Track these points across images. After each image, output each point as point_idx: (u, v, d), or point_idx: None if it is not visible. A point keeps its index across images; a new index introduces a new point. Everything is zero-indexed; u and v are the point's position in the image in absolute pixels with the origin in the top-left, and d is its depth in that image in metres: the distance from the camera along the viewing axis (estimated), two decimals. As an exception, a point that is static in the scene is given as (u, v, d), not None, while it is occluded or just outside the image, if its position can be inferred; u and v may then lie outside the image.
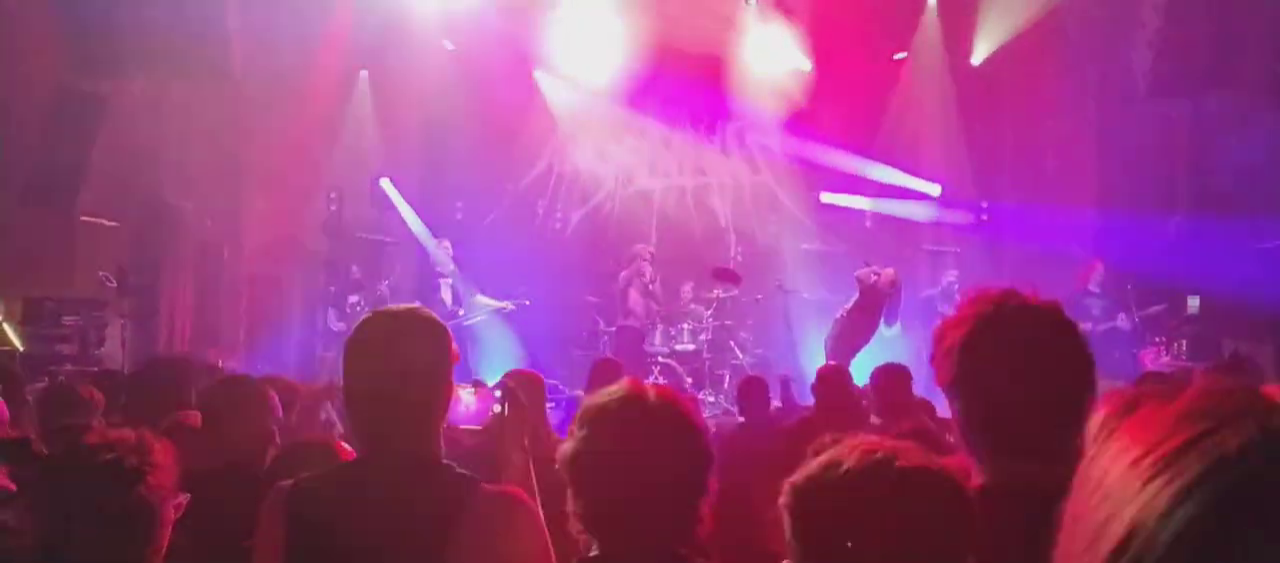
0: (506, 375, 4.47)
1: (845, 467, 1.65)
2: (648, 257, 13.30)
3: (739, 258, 12.61)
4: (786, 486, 1.70)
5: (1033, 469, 1.84)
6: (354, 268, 12.90)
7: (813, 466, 1.70)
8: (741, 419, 6.90)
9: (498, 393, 2.93)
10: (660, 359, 12.61)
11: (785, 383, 8.75)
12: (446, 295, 13.00)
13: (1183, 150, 12.53)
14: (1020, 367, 1.89)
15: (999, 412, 1.91)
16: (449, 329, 2.29)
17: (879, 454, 1.66)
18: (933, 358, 2.00)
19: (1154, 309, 11.76)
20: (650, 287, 13.14)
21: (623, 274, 13.11)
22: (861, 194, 14.46)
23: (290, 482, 2.21)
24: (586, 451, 1.94)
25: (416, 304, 2.37)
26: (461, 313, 12.70)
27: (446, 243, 13.47)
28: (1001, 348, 1.91)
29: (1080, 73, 13.10)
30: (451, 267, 13.26)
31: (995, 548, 1.72)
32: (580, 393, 8.25)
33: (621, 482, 1.91)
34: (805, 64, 14.39)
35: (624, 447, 1.94)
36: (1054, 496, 1.07)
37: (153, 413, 3.60)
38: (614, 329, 13.06)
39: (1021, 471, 1.86)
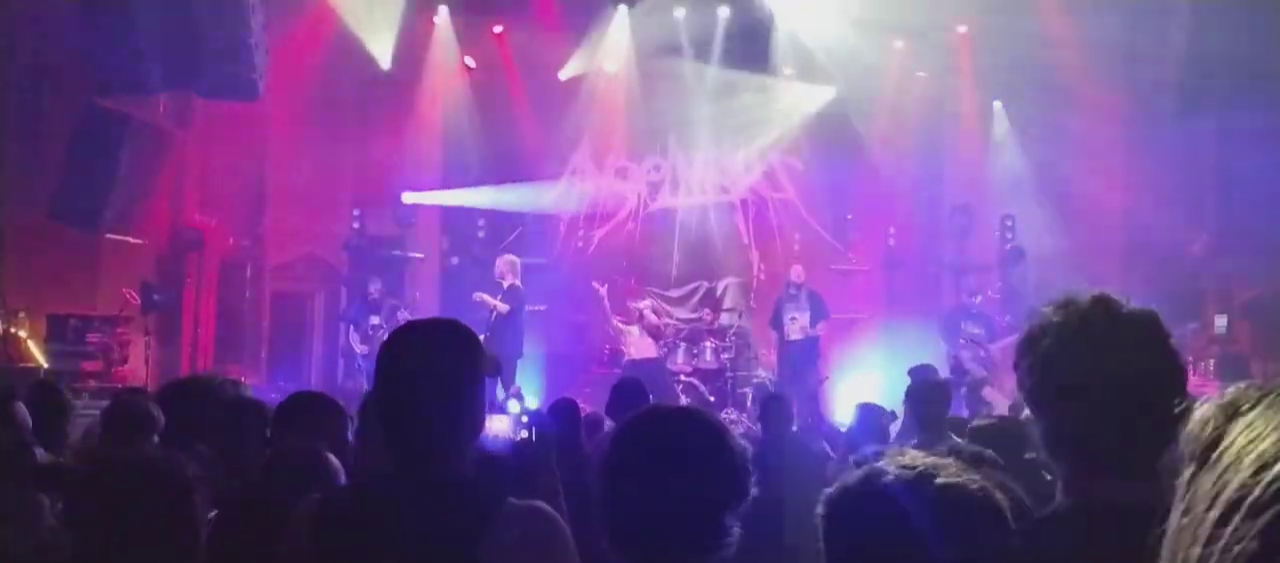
0: (552, 405, 4.46)
1: (884, 480, 1.62)
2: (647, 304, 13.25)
3: (762, 276, 12.57)
4: (824, 496, 1.67)
5: (1120, 487, 1.78)
6: (372, 287, 12.88)
7: (850, 477, 1.67)
8: (763, 438, 6.82)
9: (525, 418, 2.92)
10: (683, 378, 12.56)
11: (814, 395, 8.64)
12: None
13: (1210, 168, 12.44)
14: (1111, 379, 1.81)
15: (1086, 427, 1.83)
16: (480, 342, 2.25)
17: (918, 469, 1.63)
18: (1016, 366, 1.93)
19: (1190, 328, 11.58)
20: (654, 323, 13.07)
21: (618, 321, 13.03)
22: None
23: (317, 499, 2.17)
24: (618, 461, 1.91)
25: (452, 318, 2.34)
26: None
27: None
28: (1092, 359, 1.82)
29: (1107, 90, 13.02)
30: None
31: None
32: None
33: (652, 495, 1.87)
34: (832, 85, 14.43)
35: (655, 456, 1.90)
36: (1141, 514, 1.03)
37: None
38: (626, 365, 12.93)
39: (1108, 488, 1.80)
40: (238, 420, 3.85)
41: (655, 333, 12.72)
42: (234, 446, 3.82)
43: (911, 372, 7.95)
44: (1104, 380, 1.81)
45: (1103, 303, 1.88)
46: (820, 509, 1.67)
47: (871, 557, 1.60)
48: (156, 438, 4.12)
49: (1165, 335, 1.88)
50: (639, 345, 12.61)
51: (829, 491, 1.68)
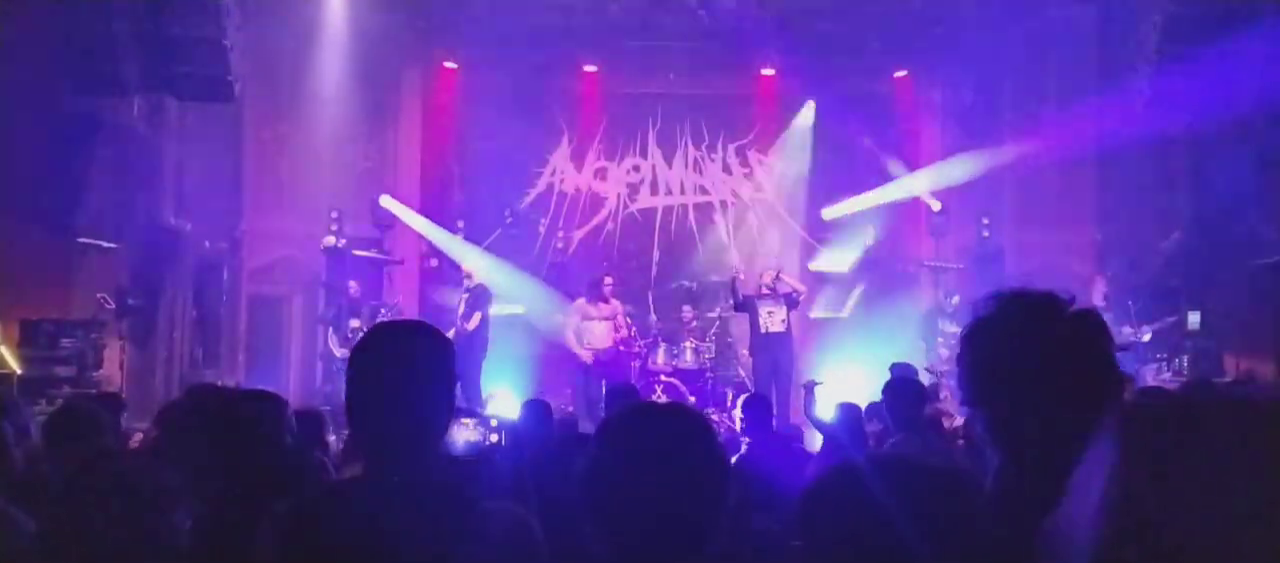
0: (524, 406, 4.46)
1: (856, 468, 1.67)
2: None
3: (742, 276, 12.60)
4: (803, 490, 1.71)
5: (1040, 481, 1.81)
6: (351, 287, 12.84)
7: (824, 473, 1.72)
8: (747, 439, 6.84)
9: (494, 421, 2.93)
10: (663, 378, 12.57)
11: (809, 390, 8.64)
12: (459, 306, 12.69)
13: (1182, 168, 12.54)
14: (1043, 376, 1.83)
15: (1016, 422, 1.86)
16: (451, 344, 2.26)
17: (885, 460, 1.69)
18: (957, 359, 1.96)
19: (1168, 321, 11.66)
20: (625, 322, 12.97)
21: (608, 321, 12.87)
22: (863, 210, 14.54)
23: (287, 504, 2.17)
24: (599, 466, 1.91)
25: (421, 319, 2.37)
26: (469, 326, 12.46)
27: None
28: (1026, 356, 1.84)
29: (1080, 91, 13.12)
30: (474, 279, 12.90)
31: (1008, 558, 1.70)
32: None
33: (636, 494, 1.88)
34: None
35: (639, 454, 1.90)
36: (1049, 507, 1.08)
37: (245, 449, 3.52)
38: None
39: (1030, 482, 1.80)
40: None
41: (617, 325, 12.71)
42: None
43: (892, 368, 8.00)
44: (1036, 378, 1.83)
45: (1044, 300, 1.89)
46: (799, 503, 1.69)
47: (849, 542, 1.62)
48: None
49: (1104, 336, 1.89)
50: (595, 334, 12.58)
51: (805, 485, 1.70)
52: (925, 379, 8.98)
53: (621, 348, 12.81)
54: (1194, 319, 11.63)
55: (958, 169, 13.77)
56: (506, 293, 13.44)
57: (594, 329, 12.52)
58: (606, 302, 12.67)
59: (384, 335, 2.30)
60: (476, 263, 13.08)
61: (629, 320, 12.99)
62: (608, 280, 12.84)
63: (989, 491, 1.93)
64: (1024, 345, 1.85)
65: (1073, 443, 1.87)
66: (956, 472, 1.71)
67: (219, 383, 9.18)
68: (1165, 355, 11.63)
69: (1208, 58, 9.91)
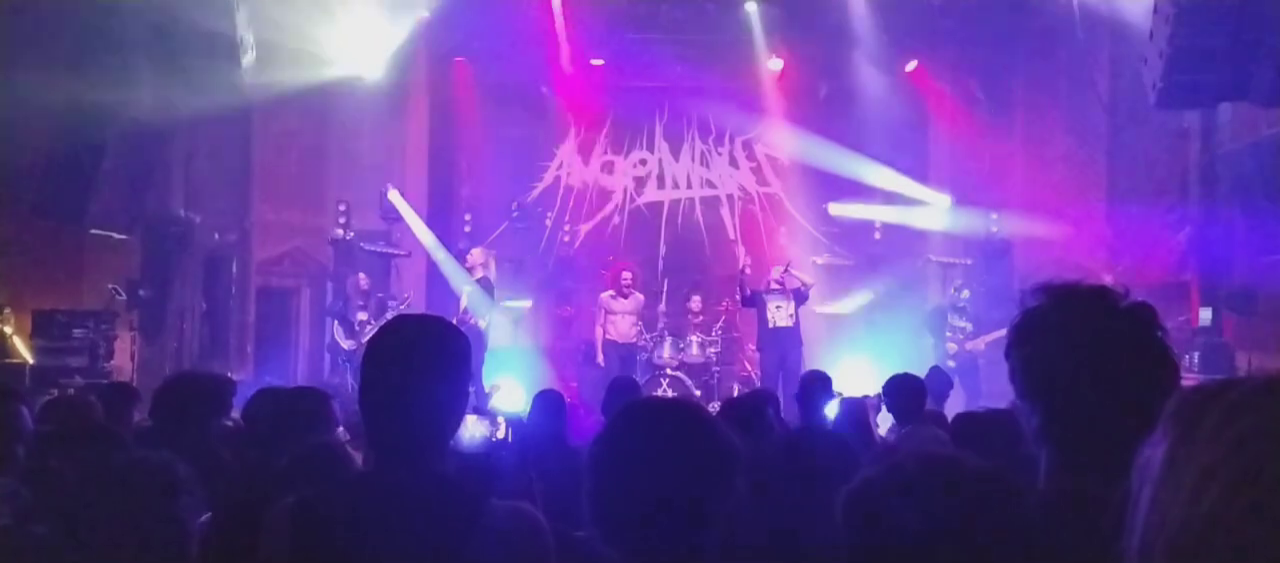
0: (538, 396, 4.44)
1: (906, 471, 1.63)
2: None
3: (748, 270, 12.59)
4: (846, 491, 1.67)
5: (1101, 481, 1.77)
6: (361, 280, 12.84)
7: (872, 472, 1.68)
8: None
9: (500, 418, 2.93)
10: (669, 372, 12.58)
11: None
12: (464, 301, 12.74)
13: (1193, 161, 12.49)
14: (1103, 373, 1.78)
15: (1075, 419, 1.81)
16: (468, 340, 2.25)
17: (938, 460, 1.65)
18: (1007, 355, 1.90)
19: (1179, 321, 11.60)
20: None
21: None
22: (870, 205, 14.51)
23: (294, 498, 2.16)
24: (606, 455, 1.91)
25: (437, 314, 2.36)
26: (483, 324, 12.50)
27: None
28: (1085, 352, 1.79)
29: (1090, 83, 13.07)
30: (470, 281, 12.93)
31: (1050, 559, 1.66)
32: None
33: (640, 485, 1.88)
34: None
35: (644, 449, 1.90)
36: (1116, 509, 1.05)
37: (182, 428, 3.53)
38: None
39: (1090, 482, 1.76)
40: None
41: (638, 318, 12.73)
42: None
43: (930, 373, 7.99)
44: (1095, 374, 1.78)
45: (1099, 294, 1.85)
46: (842, 502, 1.66)
47: (898, 545, 1.60)
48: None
49: (1160, 330, 1.84)
50: (620, 328, 12.58)
51: (850, 485, 1.67)
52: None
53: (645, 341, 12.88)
54: (1206, 315, 11.56)
55: (961, 220, 13.85)
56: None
57: (619, 323, 12.55)
58: (627, 296, 12.68)
59: (399, 330, 2.28)
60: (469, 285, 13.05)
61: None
62: (626, 274, 12.84)
63: (1042, 491, 1.89)
64: (1080, 339, 1.81)
65: (1132, 439, 1.82)
66: (1003, 471, 1.67)
67: (213, 373, 9.19)
68: (1176, 352, 11.57)
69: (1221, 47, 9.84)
